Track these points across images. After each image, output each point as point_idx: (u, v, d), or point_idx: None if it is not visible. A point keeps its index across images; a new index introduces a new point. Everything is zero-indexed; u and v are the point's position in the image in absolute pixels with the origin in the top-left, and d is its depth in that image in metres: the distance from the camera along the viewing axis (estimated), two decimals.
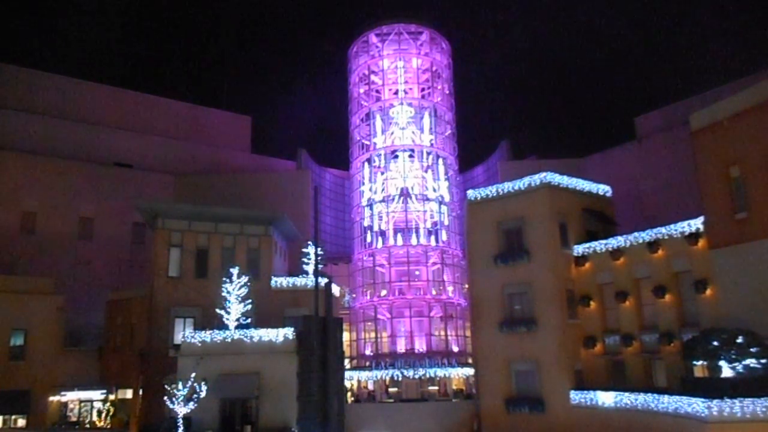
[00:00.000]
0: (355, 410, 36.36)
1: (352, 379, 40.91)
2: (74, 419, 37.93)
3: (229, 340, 30.90)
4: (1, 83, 50.19)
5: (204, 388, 28.26)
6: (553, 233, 33.30)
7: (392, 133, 45.98)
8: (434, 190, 44.91)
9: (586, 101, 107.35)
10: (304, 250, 38.71)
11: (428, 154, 45.75)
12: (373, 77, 47.85)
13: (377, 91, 48.37)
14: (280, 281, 38.63)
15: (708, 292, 27.59)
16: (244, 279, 32.12)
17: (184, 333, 32.26)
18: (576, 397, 30.51)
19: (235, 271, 32.21)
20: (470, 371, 39.88)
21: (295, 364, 29.45)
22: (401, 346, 41.85)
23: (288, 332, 31.17)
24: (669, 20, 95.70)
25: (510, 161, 54.54)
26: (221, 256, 37.94)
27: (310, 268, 38.19)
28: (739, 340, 23.79)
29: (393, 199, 44.51)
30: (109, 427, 36.40)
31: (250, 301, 32.27)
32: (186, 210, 38.63)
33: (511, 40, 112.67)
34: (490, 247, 34.99)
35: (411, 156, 45.67)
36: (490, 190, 35.93)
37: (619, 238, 31.91)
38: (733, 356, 23.68)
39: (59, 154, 49.38)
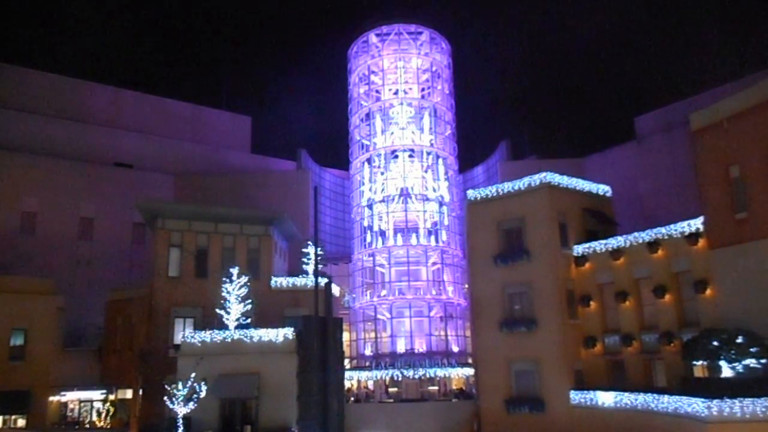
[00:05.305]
0: (355, 410, 36.33)
1: (352, 379, 40.88)
2: (74, 419, 37.92)
3: (229, 340, 30.88)
4: (1, 83, 50.21)
5: (204, 388, 28.23)
6: (553, 233, 33.29)
7: (392, 133, 45.94)
8: (434, 190, 44.88)
9: (586, 101, 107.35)
10: (304, 250, 38.70)
11: (428, 154, 45.71)
12: (373, 77, 47.79)
13: (377, 91, 48.31)
14: (280, 281, 38.61)
15: (708, 292, 27.57)
16: (244, 279, 32.09)
17: (184, 333, 32.23)
18: (576, 397, 30.50)
19: (235, 271, 32.17)
20: (470, 371, 39.87)
21: (295, 364, 29.46)
22: (401, 346, 41.81)
23: (288, 332, 31.15)
24: (669, 20, 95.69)
25: (510, 161, 54.57)
26: (221, 256, 37.91)
27: (310, 268, 38.17)
28: (739, 340, 23.82)
29: (393, 199, 44.46)
30: (109, 427, 36.39)
31: (250, 301, 32.24)
32: (186, 210, 38.62)
33: (511, 40, 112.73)
34: (490, 247, 34.97)
35: (411, 156, 45.60)
36: (490, 190, 35.93)
37: (619, 238, 31.91)
38: (733, 356, 23.69)
39: (59, 154, 49.40)
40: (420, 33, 47.39)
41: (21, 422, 34.52)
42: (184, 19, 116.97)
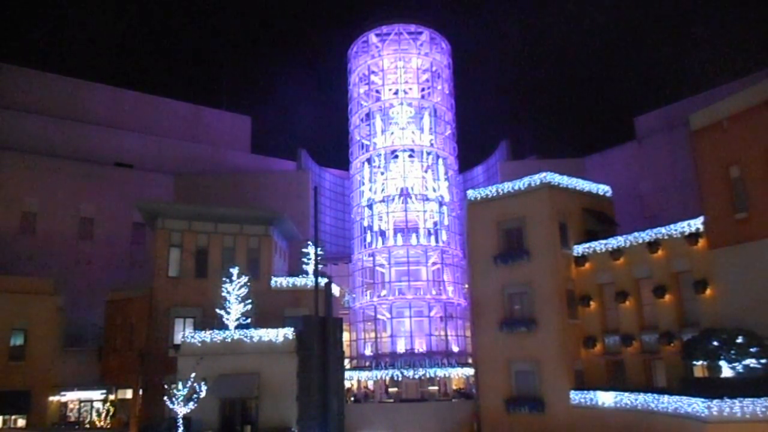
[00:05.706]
0: (355, 410, 36.34)
1: (352, 379, 40.88)
2: (74, 419, 37.91)
3: (229, 340, 30.89)
4: (1, 83, 50.19)
5: (204, 388, 28.23)
6: (553, 233, 33.27)
7: (392, 133, 45.94)
8: (434, 190, 44.87)
9: (586, 101, 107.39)
10: (304, 250, 38.69)
11: (428, 154, 45.71)
12: (373, 77, 47.79)
13: (377, 91, 48.31)
14: (280, 281, 38.61)
15: (708, 292, 27.55)
16: (244, 279, 32.11)
17: (184, 333, 32.26)
18: (576, 397, 30.48)
19: (235, 271, 32.19)
20: (470, 371, 39.86)
21: (295, 364, 29.43)
22: (401, 346, 41.82)
23: (288, 332, 31.16)
24: (669, 20, 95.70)
25: (510, 161, 54.58)
26: (221, 256, 37.93)
27: (310, 268, 38.18)
28: (739, 340, 23.78)
29: (393, 199, 44.46)
30: (109, 427, 36.38)
31: (250, 301, 32.25)
32: (186, 210, 38.62)
33: (510, 40, 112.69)
34: (490, 247, 34.95)
35: (411, 156, 45.61)
36: (490, 190, 35.91)
37: (619, 238, 31.88)
38: (733, 356, 23.66)
39: (59, 154, 49.39)
40: (420, 33, 47.39)
41: (21, 422, 34.53)
42: (185, 19, 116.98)
